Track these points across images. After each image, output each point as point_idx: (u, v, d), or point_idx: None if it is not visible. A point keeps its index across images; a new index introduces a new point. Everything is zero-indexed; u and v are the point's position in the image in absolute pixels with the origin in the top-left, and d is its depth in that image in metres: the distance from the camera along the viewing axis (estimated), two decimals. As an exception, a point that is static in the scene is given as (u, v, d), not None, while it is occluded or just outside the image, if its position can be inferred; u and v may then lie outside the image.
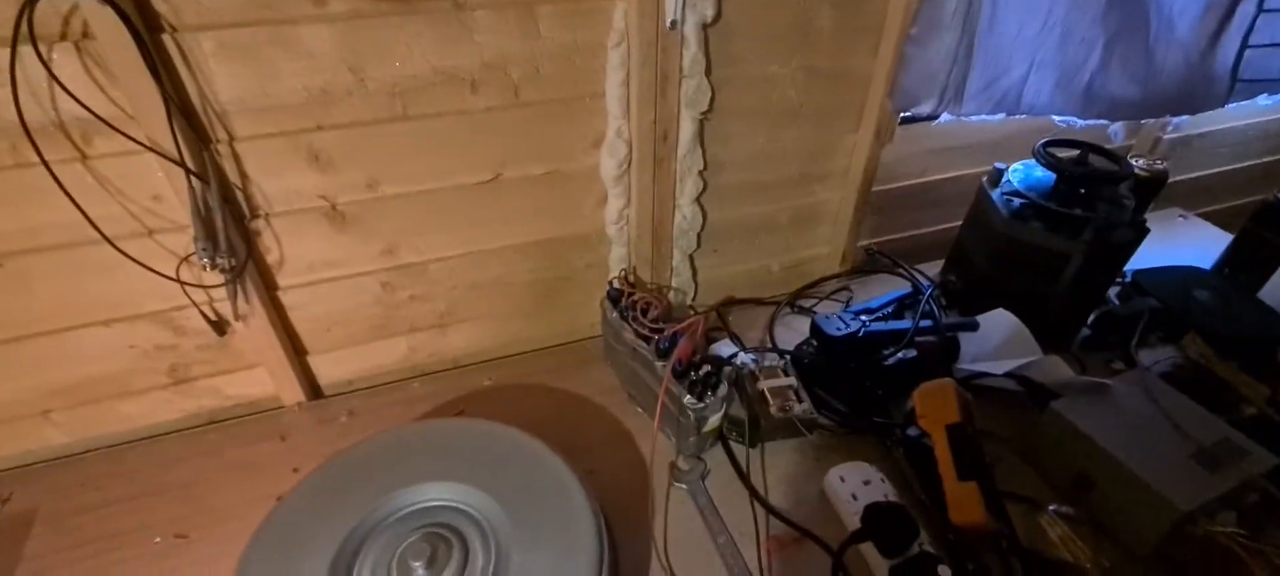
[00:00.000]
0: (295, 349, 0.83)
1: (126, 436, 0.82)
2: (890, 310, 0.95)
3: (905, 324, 0.88)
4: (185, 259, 0.70)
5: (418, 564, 0.55)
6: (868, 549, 0.66)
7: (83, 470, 0.77)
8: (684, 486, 0.76)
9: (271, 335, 0.79)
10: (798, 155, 0.93)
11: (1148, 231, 0.85)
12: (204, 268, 0.69)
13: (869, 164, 0.95)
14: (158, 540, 0.70)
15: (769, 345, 0.95)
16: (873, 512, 0.67)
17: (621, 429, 0.82)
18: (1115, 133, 1.09)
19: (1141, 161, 0.95)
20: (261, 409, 0.86)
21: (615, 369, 0.89)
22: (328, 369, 0.87)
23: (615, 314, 0.85)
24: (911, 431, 0.74)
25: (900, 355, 0.84)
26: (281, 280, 0.77)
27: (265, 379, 0.84)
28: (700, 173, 0.87)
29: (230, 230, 0.69)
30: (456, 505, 0.63)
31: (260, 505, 0.67)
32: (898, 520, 0.66)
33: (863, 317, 0.88)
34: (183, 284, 0.71)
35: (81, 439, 0.80)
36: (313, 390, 0.87)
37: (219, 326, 0.77)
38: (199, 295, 0.74)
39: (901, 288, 1.01)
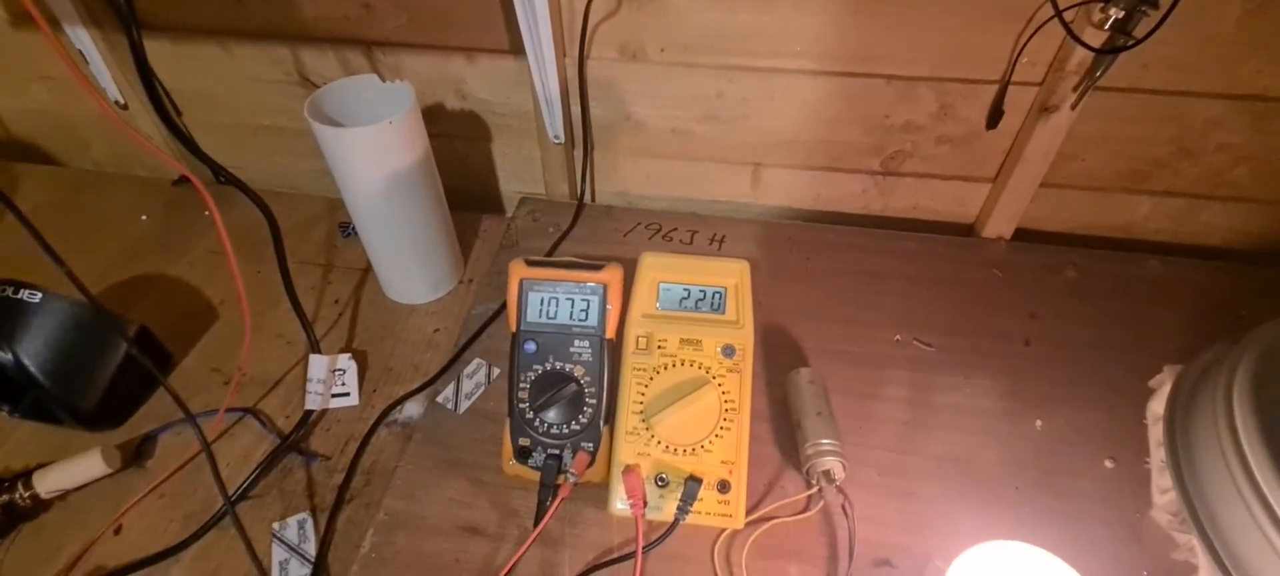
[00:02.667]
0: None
1: (808, 214, 0.77)
2: None
3: None
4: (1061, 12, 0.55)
5: None
6: None
7: (782, 232, 0.73)
8: None
9: (1045, 146, 0.63)
10: None
11: None
12: (1099, 25, 0.53)
13: None
14: (898, 338, 0.61)
15: None
16: None
17: None
18: None
19: None
20: (951, 230, 0.75)
21: None
22: (1039, 206, 0.71)
23: None
24: None
25: None
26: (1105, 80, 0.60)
27: (973, 198, 0.72)
28: None
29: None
30: None
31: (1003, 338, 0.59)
32: None
33: None
34: (1076, 39, 0.55)
35: (768, 204, 0.77)
36: (1013, 228, 0.72)
37: (995, 116, 0.64)
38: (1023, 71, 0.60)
39: None
